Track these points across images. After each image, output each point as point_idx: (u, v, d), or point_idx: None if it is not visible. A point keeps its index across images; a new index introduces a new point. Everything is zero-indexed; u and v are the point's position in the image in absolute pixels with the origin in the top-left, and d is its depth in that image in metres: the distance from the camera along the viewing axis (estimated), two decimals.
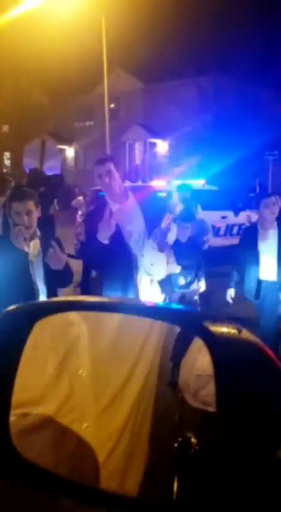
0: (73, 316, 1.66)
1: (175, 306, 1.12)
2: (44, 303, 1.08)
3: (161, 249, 3.81)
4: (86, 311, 1.54)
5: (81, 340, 1.69)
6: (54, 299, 1.08)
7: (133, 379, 1.71)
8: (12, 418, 1.51)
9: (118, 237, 3.86)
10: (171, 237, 3.94)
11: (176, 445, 1.47)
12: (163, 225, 3.85)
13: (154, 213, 4.01)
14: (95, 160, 4.07)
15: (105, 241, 3.77)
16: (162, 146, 34.23)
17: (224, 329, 0.79)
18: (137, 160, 34.39)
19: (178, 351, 1.63)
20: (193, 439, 1.44)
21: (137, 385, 1.71)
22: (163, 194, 11.84)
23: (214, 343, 0.76)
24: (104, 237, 3.76)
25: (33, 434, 1.58)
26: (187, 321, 0.94)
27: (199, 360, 1.39)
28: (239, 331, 0.77)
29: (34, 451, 1.51)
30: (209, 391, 1.20)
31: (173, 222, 4.05)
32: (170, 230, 3.90)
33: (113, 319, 1.69)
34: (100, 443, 1.66)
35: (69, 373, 1.68)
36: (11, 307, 1.01)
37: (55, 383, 1.66)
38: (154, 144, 34.59)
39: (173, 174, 19.96)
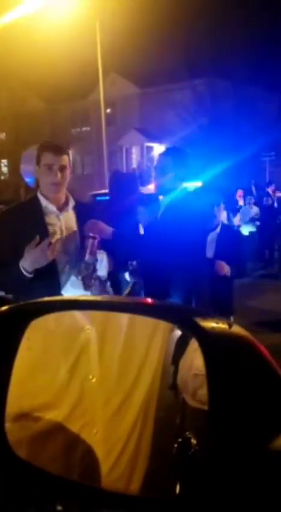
0: (83, 320, 1.67)
1: (166, 302, 1.12)
2: (37, 302, 1.08)
3: (87, 287, 2.89)
4: (77, 310, 1.55)
5: (91, 345, 1.70)
6: (48, 298, 1.08)
7: (139, 382, 1.71)
8: (24, 424, 1.52)
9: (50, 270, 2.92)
10: (101, 270, 2.97)
11: (176, 445, 1.48)
12: (88, 253, 2.91)
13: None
14: (42, 145, 3.15)
15: (28, 274, 2.82)
16: (159, 150, 34.21)
17: (214, 324, 0.79)
18: (134, 165, 34.44)
19: (177, 353, 1.64)
20: (192, 440, 1.44)
21: (143, 388, 1.72)
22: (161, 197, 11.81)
23: (205, 338, 0.77)
24: (30, 264, 2.82)
25: (45, 440, 1.59)
26: (177, 317, 0.94)
27: (197, 359, 1.39)
28: (230, 326, 0.78)
29: (46, 457, 1.52)
30: (207, 390, 1.21)
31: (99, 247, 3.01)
32: (98, 261, 2.96)
33: (119, 322, 1.70)
34: (108, 449, 1.67)
35: (80, 379, 1.69)
36: (4, 308, 1.01)
37: (66, 388, 1.67)
38: (150, 148, 34.64)
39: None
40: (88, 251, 2.92)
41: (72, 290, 2.87)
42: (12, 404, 1.36)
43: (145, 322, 1.65)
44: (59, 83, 31.43)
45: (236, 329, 0.78)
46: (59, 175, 3.01)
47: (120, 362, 1.72)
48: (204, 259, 4.01)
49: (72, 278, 2.95)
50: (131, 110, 34.81)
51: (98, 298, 1.44)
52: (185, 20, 27.30)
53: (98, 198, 10.73)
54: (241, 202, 15.88)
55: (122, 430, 1.70)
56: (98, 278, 2.96)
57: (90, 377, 1.69)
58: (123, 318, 1.68)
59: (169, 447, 1.55)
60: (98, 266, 2.96)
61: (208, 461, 0.83)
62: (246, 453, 0.72)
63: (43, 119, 35.91)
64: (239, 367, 0.74)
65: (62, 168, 3.03)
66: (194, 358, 1.43)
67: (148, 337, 1.71)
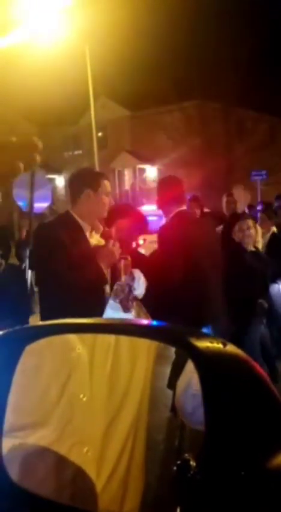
0: (73, 340, 1.68)
1: (159, 323, 1.12)
2: (32, 327, 1.09)
3: (126, 309, 2.86)
4: (72, 333, 1.56)
5: (81, 365, 1.71)
6: (42, 323, 1.09)
7: (127, 401, 1.72)
8: (15, 443, 1.51)
9: None
10: (139, 288, 2.96)
11: (175, 468, 1.47)
12: (123, 274, 2.91)
13: None
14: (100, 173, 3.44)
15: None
16: (151, 172, 34.53)
17: (208, 343, 0.80)
18: (127, 187, 34.62)
19: (173, 376, 1.64)
20: (191, 461, 1.43)
21: (131, 407, 1.73)
22: (154, 218, 11.89)
23: (200, 357, 0.77)
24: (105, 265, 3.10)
25: (36, 460, 1.59)
26: (172, 338, 0.94)
27: (194, 379, 1.39)
28: (224, 345, 0.78)
29: (36, 478, 1.51)
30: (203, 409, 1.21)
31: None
32: (136, 278, 2.95)
33: (107, 341, 1.71)
34: (100, 468, 1.67)
35: (71, 398, 1.69)
36: (0, 333, 1.02)
37: (57, 407, 1.68)
38: (142, 170, 34.90)
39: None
40: (123, 272, 2.94)
41: (112, 313, 2.88)
42: (4, 424, 1.36)
43: (129, 342, 1.67)
44: (50, 107, 31.63)
45: (231, 348, 0.79)
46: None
47: (109, 381, 1.73)
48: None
49: (111, 301, 2.95)
50: (122, 132, 35.11)
51: (93, 321, 1.44)
52: (174, 43, 27.68)
53: None
54: None
55: (113, 448, 1.70)
56: (136, 298, 2.94)
57: (81, 396, 1.70)
58: (111, 336, 1.69)
59: (168, 469, 1.54)
60: (135, 284, 2.95)
61: (207, 482, 0.82)
62: (244, 472, 0.72)
63: None
64: (234, 385, 0.74)
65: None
66: (192, 378, 1.43)
67: (132, 356, 1.73)
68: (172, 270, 3.78)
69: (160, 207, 4.33)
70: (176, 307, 3.59)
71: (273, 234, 6.98)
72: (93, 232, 3.24)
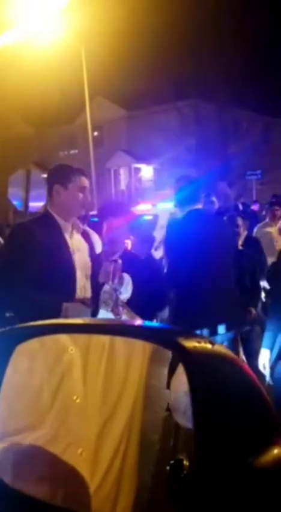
0: (66, 341, 1.68)
1: (148, 323, 1.12)
2: (22, 327, 1.09)
3: (117, 316, 2.81)
4: (63, 333, 1.56)
5: (74, 366, 1.71)
6: (33, 323, 1.09)
7: (121, 402, 1.72)
8: (8, 445, 1.51)
9: None
10: (126, 292, 2.96)
11: (168, 468, 1.47)
12: (112, 278, 2.86)
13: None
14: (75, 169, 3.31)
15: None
16: (147, 171, 34.54)
17: (196, 343, 0.80)
18: (123, 186, 34.62)
19: (171, 376, 1.65)
20: (185, 461, 1.44)
21: (125, 408, 1.73)
22: (150, 217, 11.86)
23: (188, 357, 0.78)
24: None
25: (29, 462, 1.59)
26: (160, 338, 0.95)
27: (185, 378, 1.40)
28: (212, 344, 0.79)
29: (29, 480, 1.51)
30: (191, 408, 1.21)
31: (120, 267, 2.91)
32: (124, 282, 2.94)
33: (101, 342, 1.71)
34: (94, 468, 1.67)
35: (64, 399, 1.69)
36: None
37: (50, 409, 1.68)
38: (138, 169, 34.92)
39: (159, 198, 20.09)
40: (111, 276, 2.88)
41: None
42: None
43: (124, 342, 1.67)
44: (46, 107, 31.59)
45: (219, 348, 0.79)
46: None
47: (103, 382, 1.73)
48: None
49: (102, 311, 2.89)
50: (118, 132, 35.09)
51: (84, 321, 1.44)
52: (169, 43, 27.67)
53: (92, 220, 10.71)
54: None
55: (107, 449, 1.70)
56: (123, 303, 2.91)
57: (75, 397, 1.70)
58: (105, 337, 1.69)
59: (162, 469, 1.54)
60: (123, 289, 2.93)
61: (198, 481, 0.83)
62: (232, 471, 0.73)
63: (30, 143, 36.03)
64: (221, 384, 0.75)
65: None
66: (183, 377, 1.43)
67: (127, 357, 1.73)
68: (179, 267, 3.85)
69: (175, 205, 4.45)
70: (179, 306, 3.63)
71: (246, 236, 7.01)
72: (74, 232, 3.16)
